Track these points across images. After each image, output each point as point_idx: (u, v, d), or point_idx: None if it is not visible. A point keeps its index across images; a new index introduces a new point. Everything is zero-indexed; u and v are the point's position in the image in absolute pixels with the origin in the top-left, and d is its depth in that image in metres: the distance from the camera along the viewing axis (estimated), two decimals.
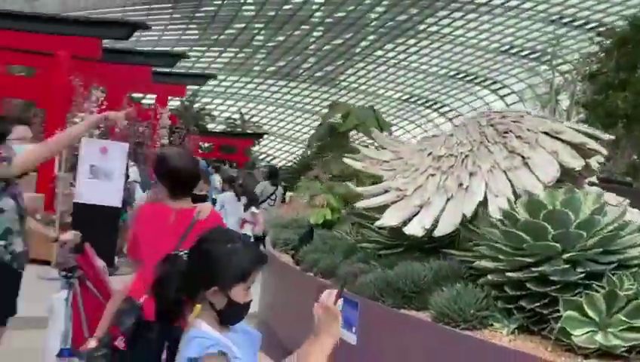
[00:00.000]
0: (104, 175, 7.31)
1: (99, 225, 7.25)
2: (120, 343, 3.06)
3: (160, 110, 10.87)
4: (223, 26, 30.70)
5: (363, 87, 40.05)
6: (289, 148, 48.89)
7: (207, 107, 37.16)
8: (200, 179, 3.35)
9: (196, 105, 32.47)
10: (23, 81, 10.09)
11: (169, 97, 12.39)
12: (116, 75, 9.51)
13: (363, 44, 33.75)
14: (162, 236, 2.66)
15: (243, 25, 30.62)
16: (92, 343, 2.76)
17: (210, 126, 31.91)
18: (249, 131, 32.61)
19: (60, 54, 7.86)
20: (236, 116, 37.81)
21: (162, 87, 11.30)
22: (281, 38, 32.51)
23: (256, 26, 30.99)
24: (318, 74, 38.02)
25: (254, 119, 40.65)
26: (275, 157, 42.46)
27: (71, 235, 3.41)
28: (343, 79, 39.13)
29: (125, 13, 28.06)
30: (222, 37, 32.17)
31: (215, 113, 38.14)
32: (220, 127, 35.04)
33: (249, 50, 34.18)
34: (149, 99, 15.67)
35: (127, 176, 7.84)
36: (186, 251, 1.68)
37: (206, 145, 21.13)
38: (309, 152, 37.39)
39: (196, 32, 32.03)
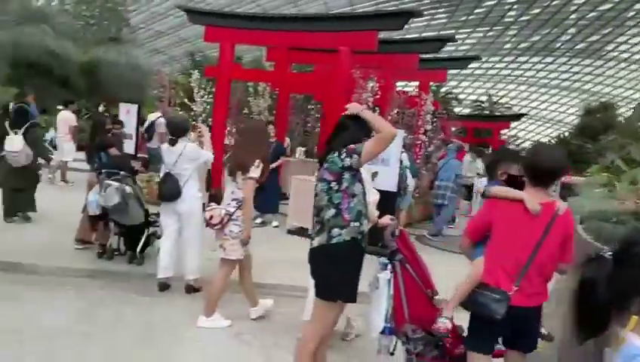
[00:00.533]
0: (382, 161, 7.73)
1: (378, 209, 7.74)
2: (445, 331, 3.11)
3: (424, 96, 10.94)
4: (472, 6, 29.68)
5: (638, 57, 34.37)
6: (541, 129, 44.89)
7: (453, 91, 36.63)
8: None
9: (443, 89, 32.18)
10: (305, 77, 11.42)
11: (430, 83, 12.44)
12: (387, 65, 9.91)
13: (638, 6, 28.87)
14: (524, 225, 2.69)
15: (494, 2, 29.12)
16: (441, 322, 2.95)
17: (456, 110, 31.35)
18: (497, 113, 30.97)
19: (343, 50, 8.48)
20: (483, 98, 36.35)
21: (425, 73, 11.39)
22: (536, 11, 29.91)
23: (508, 1, 29.16)
24: (580, 46, 33.85)
25: (503, 100, 38.48)
26: (525, 140, 39.44)
27: (388, 220, 3.59)
28: (611, 49, 34.01)
29: (378, 4, 29.47)
30: (470, 17, 31.14)
31: (461, 96, 37.31)
32: (466, 111, 34.07)
33: (499, 28, 32.34)
34: (408, 87, 16.09)
35: (401, 162, 8.12)
36: (609, 252, 1.53)
37: (453, 128, 20.76)
38: (566, 134, 33.54)
39: (444, 15, 31.70)
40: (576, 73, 37.42)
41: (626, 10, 28.66)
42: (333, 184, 3.05)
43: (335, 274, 3.04)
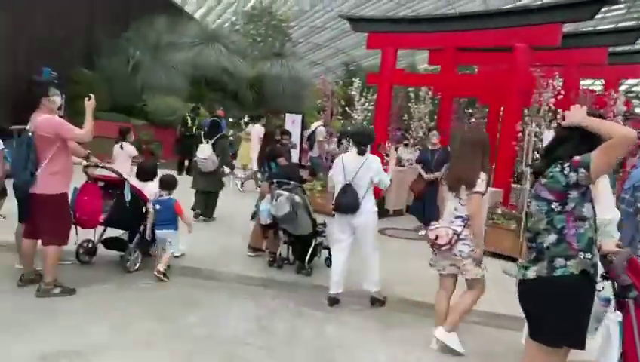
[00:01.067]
0: None
1: None
2: None
3: (613, 95, 9.50)
4: None
5: None
6: None
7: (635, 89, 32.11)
8: None
9: (622, 87, 28.33)
10: (474, 79, 10.66)
11: (620, 80, 10.82)
12: (569, 61, 8.78)
13: None
14: None
15: None
16: None
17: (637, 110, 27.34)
18: None
19: (519, 47, 7.66)
20: None
21: (615, 68, 9.91)
22: None
23: None
24: None
25: None
26: None
27: (614, 245, 2.91)
28: None
29: None
30: None
31: None
32: None
33: None
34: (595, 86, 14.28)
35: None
36: None
37: None
38: None
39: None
40: None
41: None
42: (555, 205, 2.55)
43: (560, 314, 2.50)
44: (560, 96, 7.96)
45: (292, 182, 5.95)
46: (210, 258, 6.24)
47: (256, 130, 11.76)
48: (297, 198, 5.79)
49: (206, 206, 8.17)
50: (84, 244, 5.74)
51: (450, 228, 4.13)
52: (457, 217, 4.16)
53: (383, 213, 10.07)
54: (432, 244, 4.21)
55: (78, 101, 6.71)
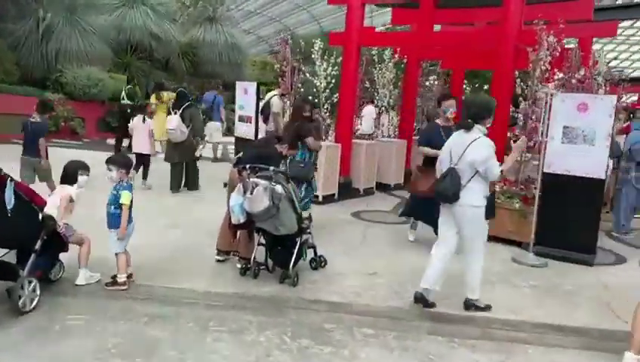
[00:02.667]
0: (583, 138, 5.85)
1: (577, 203, 5.92)
2: None
3: (594, 55, 8.73)
4: None
5: None
6: None
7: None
8: None
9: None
10: (455, 35, 9.29)
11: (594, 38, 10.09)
12: (554, 17, 7.79)
13: None
14: None
15: None
16: None
17: None
18: None
19: None
20: None
21: (590, 26, 9.16)
22: None
23: None
24: None
25: None
26: None
27: None
28: None
29: None
30: None
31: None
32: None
33: None
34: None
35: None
36: None
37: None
38: None
39: None
40: None
41: None
42: None
43: None
44: (556, 54, 7.02)
45: (271, 168, 4.57)
46: (168, 268, 4.82)
47: None
48: (279, 188, 4.44)
49: (187, 178, 8.28)
50: None
51: None
52: None
53: (352, 193, 8.94)
54: None
55: None
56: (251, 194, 4.36)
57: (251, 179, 4.47)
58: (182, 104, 8.02)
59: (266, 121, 9.24)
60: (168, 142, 8.12)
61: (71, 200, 4.23)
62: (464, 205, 4.00)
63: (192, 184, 8.35)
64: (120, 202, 4.20)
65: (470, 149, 3.97)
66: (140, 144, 8.24)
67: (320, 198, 8.08)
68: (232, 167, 4.98)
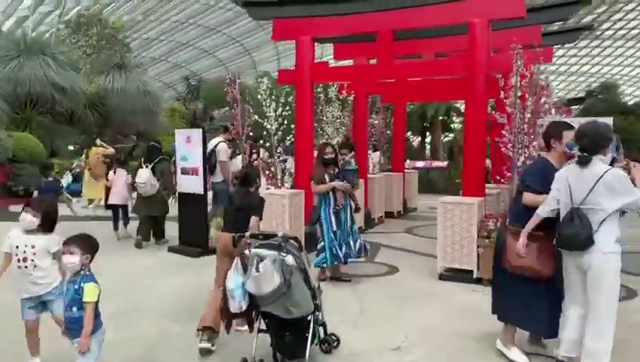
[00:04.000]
0: None
1: None
2: None
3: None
4: None
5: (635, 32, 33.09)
6: None
7: None
8: None
9: None
10: (420, 65, 8.74)
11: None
12: (505, 44, 7.64)
13: None
14: None
15: None
16: None
17: None
18: None
19: (478, 22, 6.23)
20: None
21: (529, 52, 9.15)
22: None
23: None
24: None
25: None
26: None
27: None
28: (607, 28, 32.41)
29: None
30: None
31: None
32: None
33: None
34: None
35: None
36: None
37: None
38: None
39: None
40: (573, 56, 36.05)
41: None
42: None
43: None
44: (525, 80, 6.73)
45: (279, 233, 3.58)
46: None
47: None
48: (290, 259, 3.46)
49: (154, 231, 8.26)
50: None
51: None
52: None
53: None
54: None
55: None
56: (257, 271, 3.34)
57: (253, 250, 3.46)
58: (153, 158, 8.13)
59: (211, 171, 8.16)
60: (138, 196, 8.19)
61: None
62: (597, 251, 3.31)
63: (160, 234, 8.33)
64: (84, 300, 3.02)
65: (602, 183, 3.29)
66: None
67: None
68: (221, 230, 3.92)
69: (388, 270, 6.78)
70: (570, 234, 3.36)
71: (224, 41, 39.57)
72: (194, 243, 7.64)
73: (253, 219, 4.25)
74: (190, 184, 7.72)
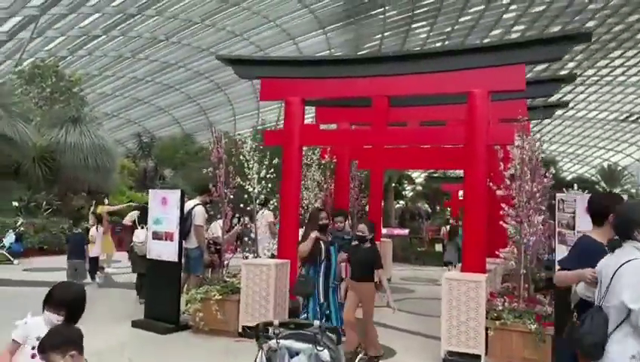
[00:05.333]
0: None
1: None
2: None
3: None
4: None
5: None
6: None
7: None
8: None
9: None
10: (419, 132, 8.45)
11: None
12: (492, 116, 7.61)
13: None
14: None
15: None
16: None
17: None
18: None
19: (477, 93, 6.17)
20: None
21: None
22: None
23: None
24: None
25: None
26: None
27: None
28: None
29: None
30: None
31: None
32: None
33: None
34: None
35: None
36: None
37: None
38: None
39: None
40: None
41: None
42: None
43: None
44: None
45: (316, 322, 2.98)
46: None
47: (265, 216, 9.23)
48: (325, 355, 2.87)
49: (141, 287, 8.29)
50: None
51: None
52: None
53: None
54: None
55: None
56: None
57: (282, 342, 2.85)
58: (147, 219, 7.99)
59: (186, 236, 7.44)
60: (135, 254, 8.45)
61: None
62: (612, 360, 2.73)
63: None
64: None
65: (617, 278, 2.80)
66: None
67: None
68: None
69: (382, 353, 6.17)
70: (577, 336, 2.88)
71: (180, 100, 39.23)
72: (162, 317, 6.80)
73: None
74: (163, 250, 6.96)
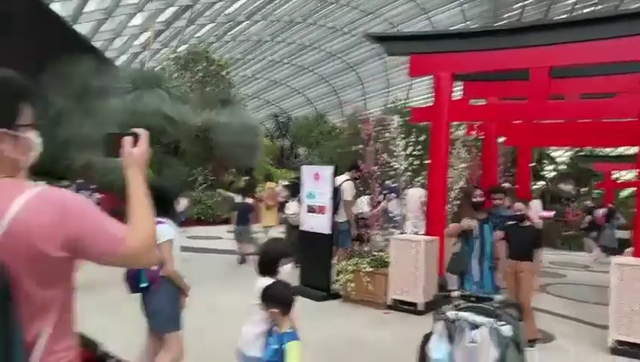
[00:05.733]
0: None
1: None
2: None
3: None
4: None
5: None
6: None
7: None
8: None
9: None
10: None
11: None
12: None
13: None
14: None
15: None
16: None
17: None
18: None
19: None
20: None
21: None
22: None
23: None
24: None
25: None
26: None
27: None
28: None
29: None
30: None
31: None
32: None
33: None
34: None
35: None
36: None
37: None
38: None
39: None
40: None
41: None
42: None
43: None
44: None
45: (496, 296, 2.99)
46: None
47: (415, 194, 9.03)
48: (506, 330, 2.85)
49: None
50: None
51: None
52: None
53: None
54: None
55: None
56: (472, 341, 2.76)
57: (461, 314, 2.88)
58: (297, 193, 8.63)
59: (335, 210, 7.74)
60: (289, 225, 9.27)
61: None
62: None
63: None
64: None
65: None
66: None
67: (420, 306, 6.43)
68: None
69: (541, 337, 5.90)
70: None
71: (314, 81, 40.37)
72: (316, 285, 7.19)
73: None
74: (315, 223, 7.33)
